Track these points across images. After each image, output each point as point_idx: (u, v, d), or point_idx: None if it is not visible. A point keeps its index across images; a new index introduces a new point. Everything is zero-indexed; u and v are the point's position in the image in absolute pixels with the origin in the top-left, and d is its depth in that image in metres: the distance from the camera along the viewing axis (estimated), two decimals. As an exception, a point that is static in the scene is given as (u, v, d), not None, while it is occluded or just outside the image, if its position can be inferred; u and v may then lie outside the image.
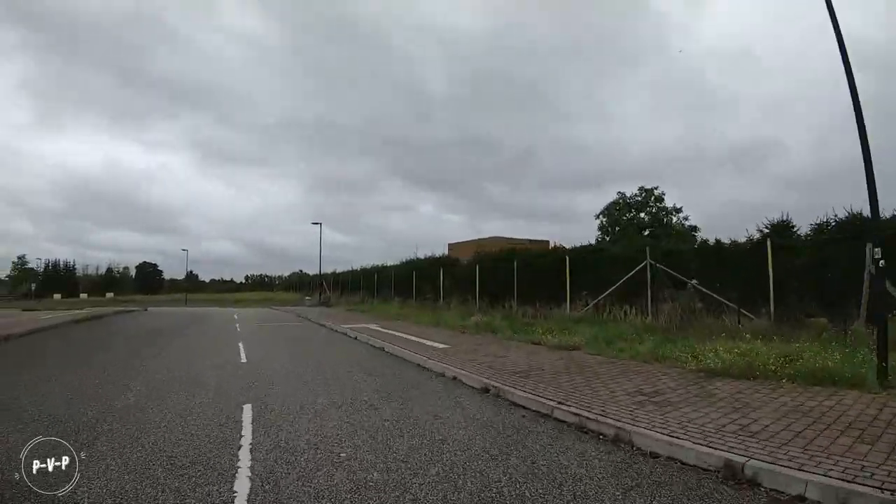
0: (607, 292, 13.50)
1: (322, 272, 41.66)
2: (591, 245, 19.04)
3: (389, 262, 32.76)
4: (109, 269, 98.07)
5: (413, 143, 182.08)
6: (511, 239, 36.81)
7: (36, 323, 17.37)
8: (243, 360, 9.41)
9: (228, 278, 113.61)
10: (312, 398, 5.94)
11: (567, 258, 15.45)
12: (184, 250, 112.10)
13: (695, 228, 32.85)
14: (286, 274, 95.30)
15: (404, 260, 29.92)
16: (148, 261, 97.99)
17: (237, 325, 18.97)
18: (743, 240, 12.29)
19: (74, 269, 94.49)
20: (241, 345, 11.67)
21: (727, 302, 10.66)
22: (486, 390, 6.30)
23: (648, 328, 10.54)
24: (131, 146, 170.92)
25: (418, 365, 8.56)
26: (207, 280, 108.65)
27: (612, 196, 36.89)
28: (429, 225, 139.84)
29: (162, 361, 9.13)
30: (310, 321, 20.37)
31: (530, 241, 36.73)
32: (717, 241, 13.11)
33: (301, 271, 79.03)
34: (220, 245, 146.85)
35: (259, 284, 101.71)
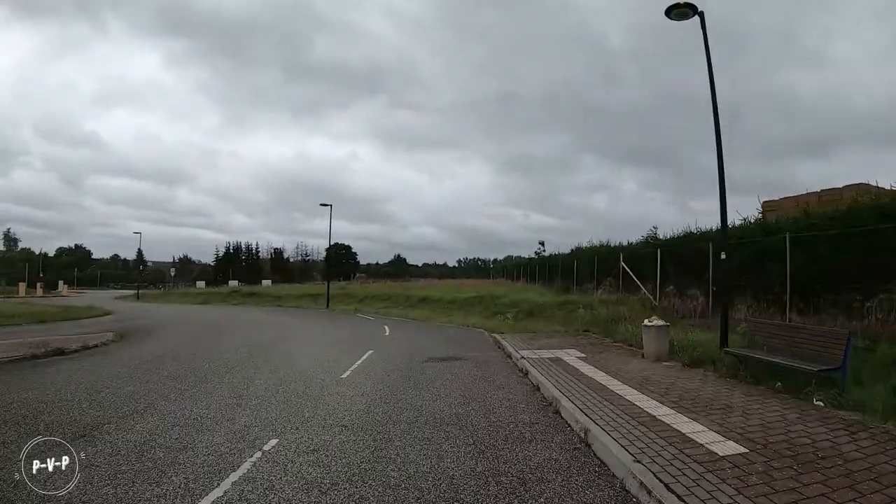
0: None
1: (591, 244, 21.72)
2: None
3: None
4: (278, 251, 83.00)
5: (604, 110, 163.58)
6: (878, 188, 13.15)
7: None
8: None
9: (441, 262, 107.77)
10: None
11: None
12: (334, 211, 72.02)
13: None
14: (500, 257, 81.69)
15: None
16: (340, 242, 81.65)
17: None
18: None
19: (257, 253, 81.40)
20: None
21: None
22: None
23: None
24: (317, 139, 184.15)
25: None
26: (420, 264, 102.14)
27: (838, 165, 16.37)
28: (633, 204, 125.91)
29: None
30: None
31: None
32: None
33: (542, 247, 51.84)
34: (426, 230, 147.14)
35: (474, 269, 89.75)
